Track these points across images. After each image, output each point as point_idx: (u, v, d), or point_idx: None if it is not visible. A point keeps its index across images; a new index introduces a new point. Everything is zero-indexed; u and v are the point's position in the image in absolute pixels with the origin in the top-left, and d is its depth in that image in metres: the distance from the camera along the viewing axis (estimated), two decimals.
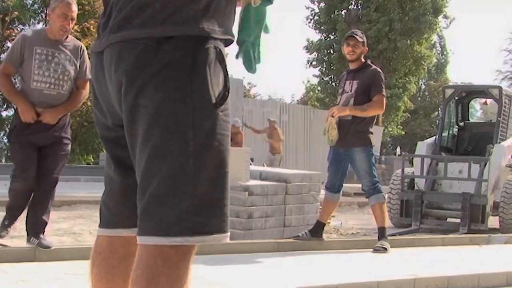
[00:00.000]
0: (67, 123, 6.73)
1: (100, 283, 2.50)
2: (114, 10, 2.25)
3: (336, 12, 37.58)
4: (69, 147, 6.80)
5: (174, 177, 2.15)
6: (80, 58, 6.59)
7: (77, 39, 24.52)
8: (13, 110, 34.64)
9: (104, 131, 2.49)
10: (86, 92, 6.67)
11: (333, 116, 7.70)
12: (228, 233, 2.26)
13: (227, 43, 2.34)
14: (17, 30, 29.99)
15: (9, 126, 33.38)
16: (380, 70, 8.06)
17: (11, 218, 6.61)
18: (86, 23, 29.02)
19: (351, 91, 7.87)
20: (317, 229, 7.97)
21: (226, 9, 2.31)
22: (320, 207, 8.80)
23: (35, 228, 6.39)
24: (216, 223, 2.21)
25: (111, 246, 2.50)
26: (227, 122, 2.28)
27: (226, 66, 2.27)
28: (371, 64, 8.14)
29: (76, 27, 28.28)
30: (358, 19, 36.52)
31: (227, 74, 2.29)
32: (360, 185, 8.36)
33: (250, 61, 2.61)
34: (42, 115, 6.30)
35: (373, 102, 7.72)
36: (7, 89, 6.50)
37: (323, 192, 8.55)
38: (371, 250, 7.62)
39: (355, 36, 7.98)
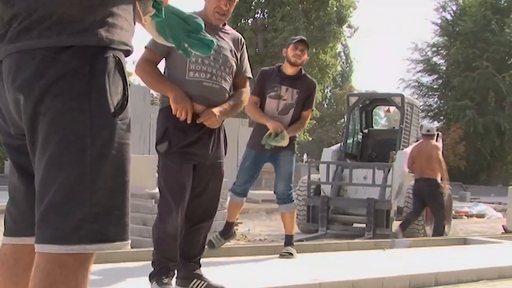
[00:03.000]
0: (225, 136, 5.38)
1: None
2: (13, 22, 2.24)
3: (242, 20, 37.68)
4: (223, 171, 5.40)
5: (71, 185, 2.15)
6: (241, 51, 5.40)
7: None
8: None
9: (7, 139, 2.46)
10: (247, 92, 5.51)
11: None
12: (129, 241, 2.28)
13: (127, 54, 2.36)
14: None
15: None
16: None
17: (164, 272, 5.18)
18: None
19: (291, 100, 7.45)
20: (228, 229, 7.63)
21: (124, 22, 2.34)
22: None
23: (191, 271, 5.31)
24: (115, 231, 2.22)
25: (16, 255, 2.47)
26: (126, 130, 2.29)
27: (125, 75, 2.29)
28: (307, 75, 7.82)
29: None
30: (265, 27, 36.80)
31: (126, 83, 2.30)
32: (267, 192, 8.24)
33: (201, 47, 2.76)
34: (202, 115, 4.94)
35: (304, 119, 7.54)
36: (153, 77, 5.08)
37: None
38: (278, 255, 7.64)
39: (305, 41, 7.56)
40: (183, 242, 5.15)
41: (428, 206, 12.89)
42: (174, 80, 5.00)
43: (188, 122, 4.86)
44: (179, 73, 4.98)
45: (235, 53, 5.24)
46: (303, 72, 7.66)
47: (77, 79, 2.16)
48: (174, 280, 5.23)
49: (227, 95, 5.18)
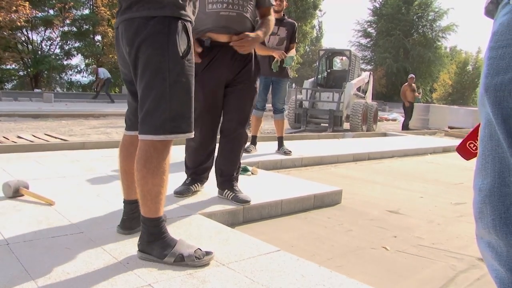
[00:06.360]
0: (253, 63, 3.46)
1: (124, 161, 2.51)
2: (122, 2, 2.25)
3: None
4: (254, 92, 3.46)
5: (158, 100, 2.15)
6: None
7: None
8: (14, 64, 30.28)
9: (125, 75, 2.47)
10: (273, 20, 3.48)
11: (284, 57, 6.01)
12: (193, 132, 2.27)
13: (191, 24, 2.32)
14: (72, 13, 28.35)
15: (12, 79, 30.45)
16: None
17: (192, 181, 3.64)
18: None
19: (284, 35, 6.20)
20: (255, 140, 6.51)
21: (190, 1, 2.30)
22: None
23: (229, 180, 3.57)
24: (185, 127, 2.22)
25: (130, 141, 2.50)
26: (191, 66, 2.24)
27: (189, 34, 2.25)
28: (289, 19, 6.36)
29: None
30: None
31: (190, 39, 2.24)
32: (270, 104, 7.06)
33: None
34: (239, 38, 3.26)
35: (292, 48, 6.28)
36: None
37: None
38: (281, 152, 6.44)
39: None
40: (219, 157, 3.59)
41: (405, 113, 15.41)
42: (198, 15, 3.24)
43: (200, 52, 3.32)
44: (201, 8, 3.29)
45: None
46: (286, 16, 6.29)
47: (160, 36, 2.15)
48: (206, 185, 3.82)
49: (248, 21, 3.35)
